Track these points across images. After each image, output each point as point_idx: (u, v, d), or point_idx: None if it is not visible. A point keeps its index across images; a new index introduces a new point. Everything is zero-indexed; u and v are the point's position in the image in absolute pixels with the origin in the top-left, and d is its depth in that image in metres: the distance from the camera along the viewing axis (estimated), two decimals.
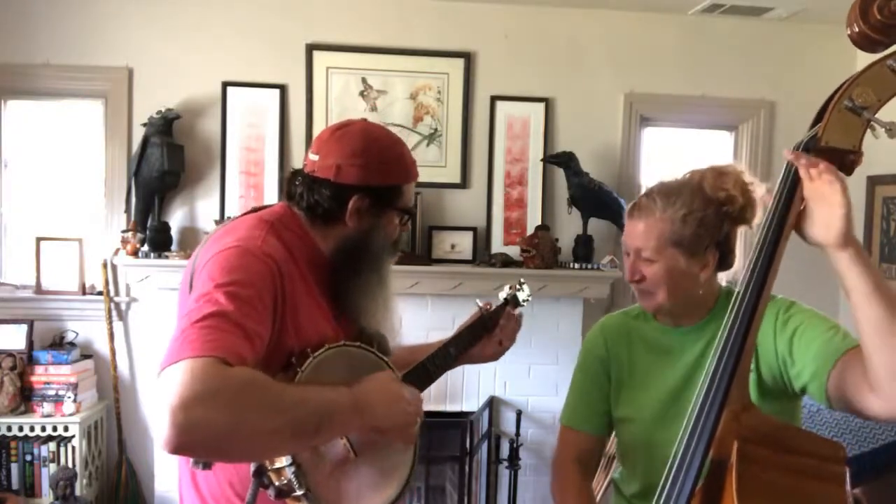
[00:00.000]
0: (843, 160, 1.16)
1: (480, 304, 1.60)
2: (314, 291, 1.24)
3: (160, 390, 0.95)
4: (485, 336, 1.57)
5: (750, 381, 1.32)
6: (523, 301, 1.67)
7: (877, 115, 1.13)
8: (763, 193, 1.39)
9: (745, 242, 1.39)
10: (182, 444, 0.94)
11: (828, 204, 1.11)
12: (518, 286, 1.67)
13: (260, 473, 1.09)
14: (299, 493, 1.07)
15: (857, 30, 1.14)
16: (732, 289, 1.18)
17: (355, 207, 1.26)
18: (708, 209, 1.37)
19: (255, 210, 1.33)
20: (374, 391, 1.18)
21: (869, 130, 1.14)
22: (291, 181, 1.31)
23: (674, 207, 1.37)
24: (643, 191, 1.47)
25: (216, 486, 1.21)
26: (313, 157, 1.29)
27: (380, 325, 1.32)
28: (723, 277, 1.47)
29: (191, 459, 1.11)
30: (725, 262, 1.43)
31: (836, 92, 1.17)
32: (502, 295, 1.65)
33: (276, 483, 1.08)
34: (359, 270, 1.29)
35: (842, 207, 1.10)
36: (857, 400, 1.16)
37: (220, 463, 1.14)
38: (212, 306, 1.03)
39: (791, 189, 1.17)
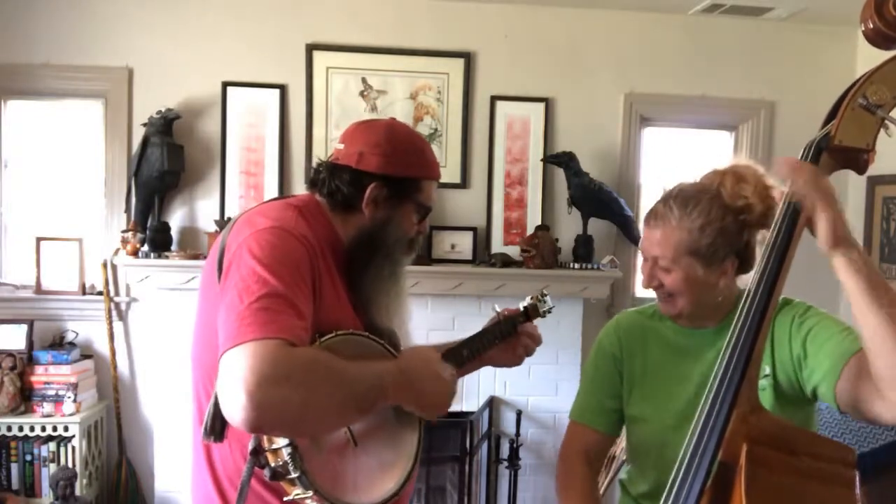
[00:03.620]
0: (857, 159, 1.15)
1: (498, 310, 1.58)
2: (335, 279, 1.25)
3: (227, 371, 0.99)
4: (498, 342, 1.54)
5: (767, 388, 1.32)
6: (543, 312, 1.62)
7: (891, 114, 1.12)
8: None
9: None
10: (261, 423, 0.99)
11: (816, 211, 1.11)
12: (540, 297, 1.62)
13: (257, 453, 1.09)
14: (294, 475, 1.07)
15: (871, 26, 1.13)
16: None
17: (372, 196, 1.28)
18: (726, 218, 1.34)
19: (279, 198, 1.36)
20: (418, 367, 1.24)
21: (882, 129, 1.13)
22: (316, 170, 1.35)
23: (690, 217, 1.35)
24: (643, 190, 1.48)
25: (231, 463, 1.22)
26: (339, 146, 1.33)
27: (390, 321, 1.32)
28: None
29: (202, 432, 1.13)
30: (746, 266, 1.41)
31: (849, 90, 1.15)
32: (522, 304, 1.61)
33: (272, 464, 1.08)
34: (372, 260, 1.30)
35: (824, 212, 1.10)
36: (865, 403, 1.15)
37: (235, 439, 1.17)
38: (263, 286, 1.06)
39: None
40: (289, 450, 1.06)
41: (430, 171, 1.35)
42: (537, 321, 1.62)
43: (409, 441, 1.29)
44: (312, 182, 1.35)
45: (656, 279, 1.40)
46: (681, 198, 1.38)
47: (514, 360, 1.58)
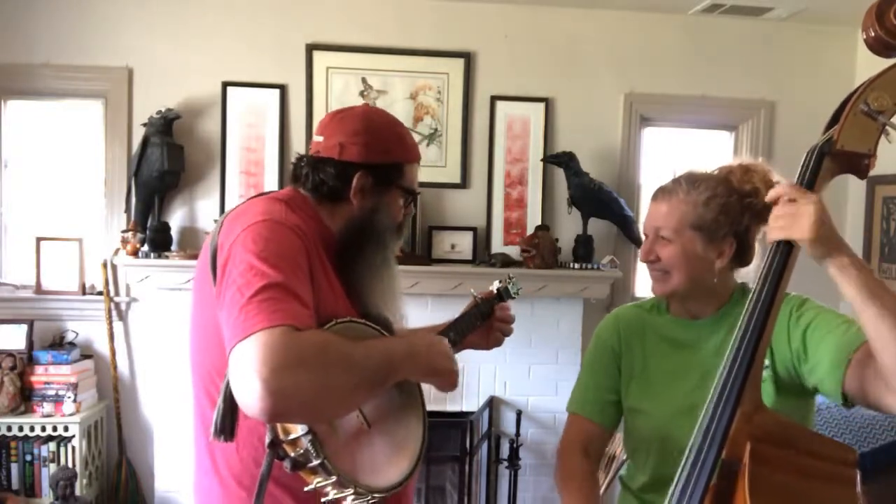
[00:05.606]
0: (858, 164, 1.17)
1: (475, 294, 1.63)
2: (328, 269, 1.25)
3: (239, 364, 0.99)
4: (481, 325, 1.60)
5: (767, 379, 1.33)
6: (514, 294, 1.69)
7: (892, 120, 1.14)
8: None
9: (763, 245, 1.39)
10: (279, 410, 0.99)
11: (796, 231, 1.13)
12: (508, 280, 1.70)
13: (274, 445, 1.08)
14: (315, 462, 1.06)
15: (872, 34, 1.15)
16: (748, 286, 1.19)
17: (359, 185, 1.29)
18: (731, 196, 1.41)
19: (262, 194, 1.35)
20: (419, 340, 1.29)
21: (883, 135, 1.15)
22: (297, 164, 1.35)
23: (697, 191, 1.41)
24: (642, 190, 1.49)
25: (237, 463, 1.21)
26: (317, 138, 1.33)
27: (385, 307, 1.33)
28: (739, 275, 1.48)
29: (212, 431, 1.12)
30: (743, 256, 1.44)
31: (851, 96, 1.17)
32: (494, 287, 1.68)
33: (292, 454, 1.07)
34: (364, 249, 1.31)
35: (805, 234, 1.12)
36: (875, 396, 1.16)
37: (242, 440, 1.17)
38: (262, 278, 1.06)
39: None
40: (309, 437, 1.06)
41: (410, 155, 1.36)
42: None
43: (415, 418, 1.31)
44: (294, 177, 1.35)
45: (654, 253, 1.44)
46: (690, 176, 1.45)
47: (491, 343, 1.63)
